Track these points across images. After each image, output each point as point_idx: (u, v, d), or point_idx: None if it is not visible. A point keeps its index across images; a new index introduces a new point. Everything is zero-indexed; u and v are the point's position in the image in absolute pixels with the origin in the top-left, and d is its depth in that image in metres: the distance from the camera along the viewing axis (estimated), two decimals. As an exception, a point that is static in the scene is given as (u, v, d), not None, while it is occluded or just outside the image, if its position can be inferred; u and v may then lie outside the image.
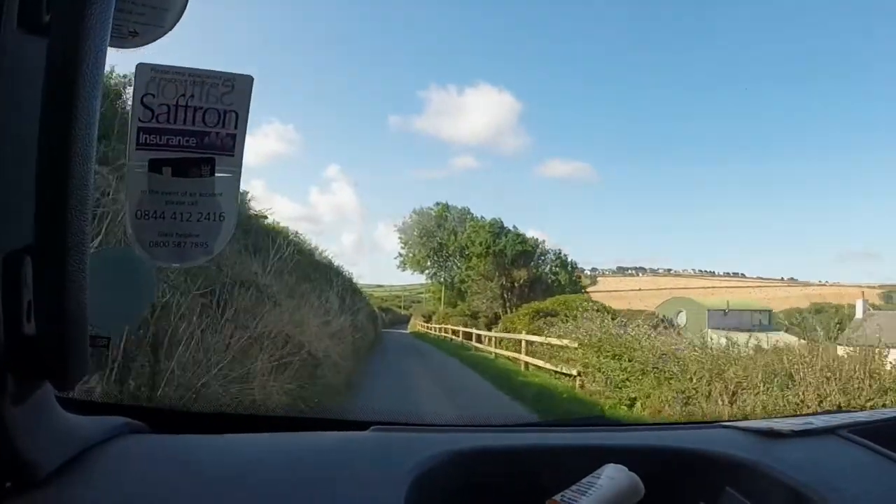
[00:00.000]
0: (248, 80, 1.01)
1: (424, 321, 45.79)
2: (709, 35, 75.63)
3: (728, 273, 78.30)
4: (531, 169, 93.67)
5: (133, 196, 0.96)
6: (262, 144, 70.45)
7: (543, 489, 0.90)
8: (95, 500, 0.78)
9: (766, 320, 43.15)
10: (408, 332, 44.35)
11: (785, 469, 1.00)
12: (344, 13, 78.23)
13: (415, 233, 50.51)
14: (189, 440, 1.00)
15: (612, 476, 0.91)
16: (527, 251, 44.41)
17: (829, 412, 2.37)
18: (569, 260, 46.52)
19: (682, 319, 40.76)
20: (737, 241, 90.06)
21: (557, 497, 0.87)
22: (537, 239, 46.17)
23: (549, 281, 44.46)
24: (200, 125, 0.98)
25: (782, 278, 75.64)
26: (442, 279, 50.16)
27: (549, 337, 15.97)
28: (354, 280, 28.57)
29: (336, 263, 22.71)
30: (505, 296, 41.70)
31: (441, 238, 49.34)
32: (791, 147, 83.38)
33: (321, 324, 9.88)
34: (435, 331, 38.22)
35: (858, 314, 30.70)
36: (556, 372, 13.55)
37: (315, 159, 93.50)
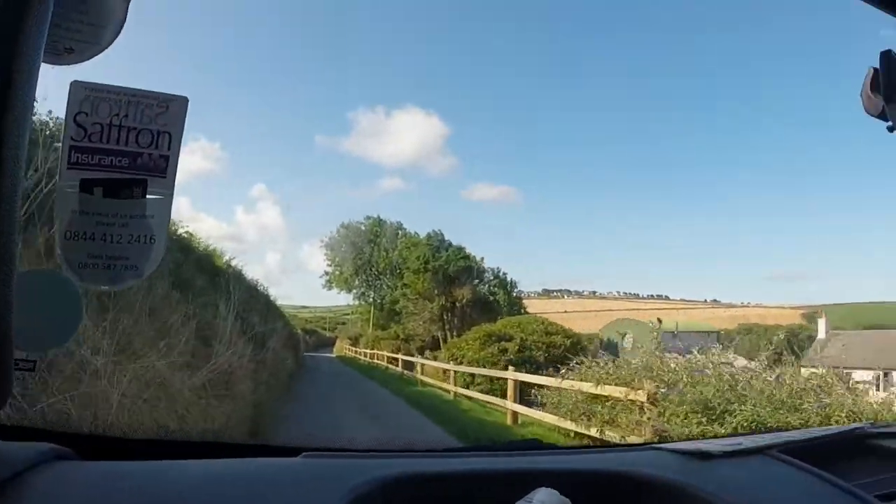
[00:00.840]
0: (182, 102, 1.06)
1: (351, 344, 44.73)
2: (629, 62, 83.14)
3: (652, 295, 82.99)
4: (458, 192, 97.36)
5: (63, 216, 1.00)
6: (188, 162, 69.69)
7: None
8: None
9: (715, 342, 44.55)
10: (334, 355, 43.38)
11: (715, 490, 1.08)
12: (273, 33, 78.48)
13: (342, 248, 49.58)
14: (117, 467, 1.01)
15: (543, 500, 0.95)
16: (469, 267, 42.67)
17: (759, 432, 2.52)
18: (508, 279, 45.27)
19: (628, 342, 41.61)
20: (661, 264, 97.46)
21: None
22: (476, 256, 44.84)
23: (490, 301, 42.70)
24: (133, 146, 1.02)
25: (706, 300, 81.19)
26: (371, 299, 49.08)
27: (568, 378, 10.87)
28: (277, 300, 26.93)
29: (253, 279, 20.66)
30: (445, 317, 39.82)
31: (371, 255, 48.30)
32: (713, 170, 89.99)
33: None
34: (365, 356, 36.59)
35: (821, 334, 32.05)
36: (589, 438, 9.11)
37: (241, 178, 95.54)
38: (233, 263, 17.15)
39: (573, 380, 10.68)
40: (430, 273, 40.97)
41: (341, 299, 54.46)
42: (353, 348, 42.48)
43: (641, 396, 8.35)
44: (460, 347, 23.68)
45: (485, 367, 19.39)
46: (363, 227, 49.68)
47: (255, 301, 15.85)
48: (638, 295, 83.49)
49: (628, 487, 1.15)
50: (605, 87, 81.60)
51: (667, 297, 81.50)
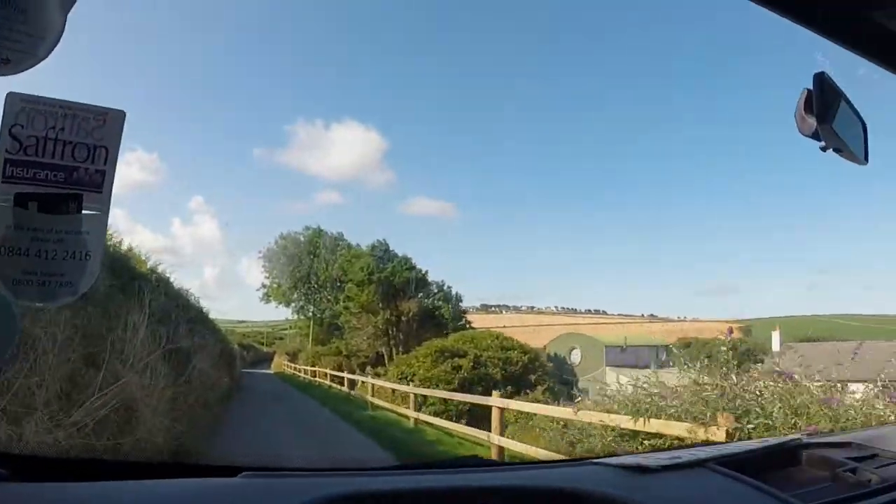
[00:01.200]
0: (119, 116, 1.07)
1: (290, 360, 43.83)
2: (567, 79, 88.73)
3: (590, 310, 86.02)
4: (396, 206, 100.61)
5: None
6: (125, 173, 69.72)
7: None
8: None
9: (665, 356, 45.52)
10: (272, 372, 42.52)
11: (655, 503, 1.14)
12: (212, 44, 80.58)
13: (281, 260, 49.05)
14: (48, 489, 1.01)
15: None
16: (416, 279, 41.52)
17: (696, 445, 2.61)
18: (453, 293, 44.50)
19: (576, 357, 42.04)
20: (598, 279, 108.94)
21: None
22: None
23: (436, 315, 41.54)
24: (69, 160, 1.03)
25: (643, 315, 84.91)
26: (310, 313, 48.68)
27: (588, 411, 8.21)
28: (211, 314, 25.19)
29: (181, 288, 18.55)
30: (390, 332, 38.83)
31: (311, 267, 47.90)
32: (648, 187, 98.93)
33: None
34: (306, 373, 35.17)
35: (775, 347, 33.05)
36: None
37: (178, 190, 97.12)
38: (160, 269, 15.86)
39: (581, 406, 8.40)
40: (374, 285, 39.90)
41: (280, 314, 53.99)
42: (292, 364, 41.50)
43: (718, 434, 5.89)
44: (410, 364, 22.71)
45: (437, 386, 19.13)
46: (302, 238, 49.37)
47: (182, 312, 13.88)
48: (576, 310, 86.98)
49: (570, 502, 1.18)
50: (541, 106, 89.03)
51: (604, 312, 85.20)
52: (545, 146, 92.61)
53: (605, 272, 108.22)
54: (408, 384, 18.19)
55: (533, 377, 23.05)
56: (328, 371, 29.79)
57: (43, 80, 1.05)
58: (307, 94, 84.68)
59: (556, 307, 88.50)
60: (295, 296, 49.16)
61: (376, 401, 18.45)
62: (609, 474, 1.35)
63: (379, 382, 20.67)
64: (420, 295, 41.43)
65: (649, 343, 46.47)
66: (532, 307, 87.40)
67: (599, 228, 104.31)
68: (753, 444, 1.76)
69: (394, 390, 18.34)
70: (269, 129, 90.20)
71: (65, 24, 1.01)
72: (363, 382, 22.37)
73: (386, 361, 36.67)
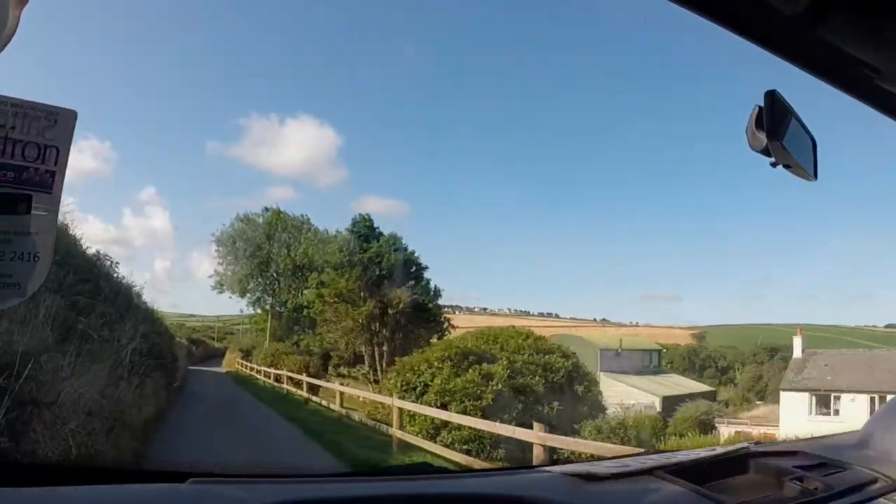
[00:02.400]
0: (71, 116, 1.16)
1: (243, 357, 42.14)
2: (525, 79, 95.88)
3: (542, 313, 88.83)
4: (348, 203, 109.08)
5: None
6: (77, 160, 71.32)
7: None
8: None
9: (657, 361, 46.05)
10: (223, 370, 41.66)
11: None
12: (166, 34, 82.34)
13: (236, 245, 47.78)
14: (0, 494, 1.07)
15: None
16: (406, 262, 38.31)
17: (645, 453, 2.74)
18: (432, 286, 40.88)
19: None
20: (548, 282, 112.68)
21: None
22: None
23: (429, 308, 38.37)
24: (19, 159, 1.12)
25: (595, 319, 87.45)
26: (268, 305, 47.67)
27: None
28: (156, 305, 23.79)
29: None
30: (373, 327, 35.25)
31: (269, 253, 46.73)
32: (598, 190, 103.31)
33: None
34: (265, 375, 32.55)
35: (797, 353, 33.33)
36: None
37: (130, 180, 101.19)
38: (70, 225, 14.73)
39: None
40: (356, 269, 36.86)
41: (233, 307, 53.84)
42: (245, 362, 39.94)
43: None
44: (417, 370, 18.27)
45: (462, 402, 16.05)
46: (260, 220, 48.34)
47: (95, 291, 12.15)
48: (528, 312, 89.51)
49: None
50: (496, 104, 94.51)
51: (557, 315, 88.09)
52: (502, 146, 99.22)
53: (556, 275, 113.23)
54: (416, 399, 16.19)
55: (579, 388, 19.90)
56: (302, 378, 25.60)
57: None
58: (261, 87, 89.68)
59: (508, 309, 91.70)
60: (251, 285, 48.13)
61: (360, 416, 17.23)
62: (558, 482, 1.46)
63: (371, 396, 19.49)
64: (411, 283, 38.34)
65: (643, 347, 46.90)
66: (484, 308, 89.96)
67: (551, 231, 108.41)
68: (702, 452, 1.87)
69: (400, 409, 14.45)
70: (223, 122, 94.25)
71: (18, 20, 1.10)
72: (345, 397, 19.41)
73: (368, 363, 35.57)
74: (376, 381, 32.12)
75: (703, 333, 69.55)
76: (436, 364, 18.10)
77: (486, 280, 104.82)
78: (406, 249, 38.42)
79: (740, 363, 66.05)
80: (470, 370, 17.36)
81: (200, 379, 30.79)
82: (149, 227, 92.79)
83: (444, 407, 15.33)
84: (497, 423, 11.85)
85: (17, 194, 1.13)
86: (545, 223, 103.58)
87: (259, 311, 49.30)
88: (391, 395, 16.64)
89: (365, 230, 39.59)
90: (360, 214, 40.67)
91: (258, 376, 33.89)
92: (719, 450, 1.86)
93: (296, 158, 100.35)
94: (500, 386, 16.97)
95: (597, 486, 1.43)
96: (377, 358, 34.79)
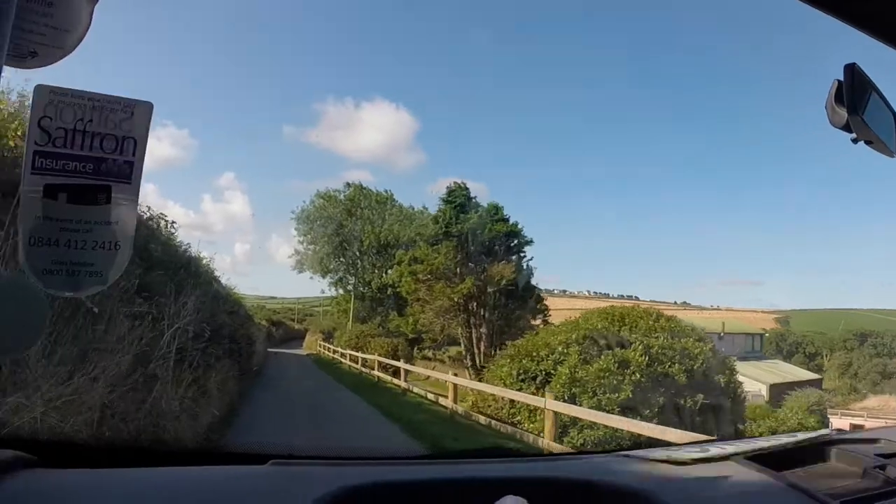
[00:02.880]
0: (147, 108, 1.24)
1: (324, 339, 42.18)
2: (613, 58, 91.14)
3: (622, 295, 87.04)
4: (426, 187, 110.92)
5: (27, 222, 1.18)
6: (155, 148, 75.46)
7: None
8: None
9: (759, 346, 44.83)
10: (304, 352, 41.84)
11: (682, 497, 1.27)
12: (243, 21, 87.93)
13: (317, 222, 47.92)
14: (83, 474, 1.17)
15: None
16: (510, 234, 34.43)
17: (723, 439, 2.72)
18: (526, 265, 36.62)
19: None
20: (628, 265, 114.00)
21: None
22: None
23: (533, 287, 35.38)
24: (98, 151, 1.21)
25: (675, 302, 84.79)
26: (350, 286, 47.39)
27: None
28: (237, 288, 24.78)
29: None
30: (470, 307, 32.41)
31: (351, 230, 46.50)
32: (682, 176, 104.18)
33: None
34: (349, 358, 31.13)
35: None
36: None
37: (209, 166, 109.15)
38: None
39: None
40: (453, 242, 33.58)
41: (313, 288, 54.57)
42: (327, 344, 39.62)
43: None
44: (535, 356, 16.09)
45: (594, 395, 13.83)
46: (342, 197, 48.25)
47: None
48: (608, 294, 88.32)
49: (596, 495, 1.33)
50: (571, 86, 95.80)
51: (637, 298, 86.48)
52: (586, 127, 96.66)
53: (636, 259, 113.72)
54: (536, 391, 14.37)
55: (721, 379, 16.42)
56: (399, 365, 22.79)
57: (72, 69, 1.23)
58: (337, 72, 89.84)
59: (588, 291, 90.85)
60: (333, 264, 48.11)
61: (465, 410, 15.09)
62: (637, 466, 1.49)
63: (497, 391, 15.34)
64: (514, 258, 34.73)
65: (745, 330, 45.70)
66: (564, 291, 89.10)
67: (633, 215, 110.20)
68: (782, 438, 1.86)
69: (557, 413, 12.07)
70: (299, 107, 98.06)
71: (92, 15, 1.19)
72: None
73: (464, 347, 33.54)
74: (474, 367, 30.02)
75: (787, 318, 67.42)
76: (559, 349, 15.84)
77: (564, 262, 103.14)
78: (508, 219, 34.75)
79: (828, 349, 64.33)
80: (602, 356, 14.94)
81: (278, 361, 30.49)
82: (228, 212, 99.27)
83: (572, 400, 13.31)
84: (652, 425, 10.10)
85: (96, 185, 1.21)
86: (621, 206, 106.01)
87: (341, 291, 49.35)
88: (503, 385, 15.52)
89: (461, 199, 35.87)
90: (455, 182, 36.95)
91: (342, 360, 32.93)
92: (799, 436, 1.86)
93: (373, 142, 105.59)
94: (638, 375, 14.50)
95: (676, 471, 1.45)
96: (474, 341, 32.52)
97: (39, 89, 1.19)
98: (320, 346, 41.51)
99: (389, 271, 43.44)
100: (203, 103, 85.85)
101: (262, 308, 54.04)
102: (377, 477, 1.28)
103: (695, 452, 1.54)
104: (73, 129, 1.20)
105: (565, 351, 15.58)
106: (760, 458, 1.52)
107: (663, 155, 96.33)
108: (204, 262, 17.78)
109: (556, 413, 11.74)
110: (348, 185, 49.11)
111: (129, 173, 1.24)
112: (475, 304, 32.63)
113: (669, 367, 15.20)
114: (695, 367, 15.62)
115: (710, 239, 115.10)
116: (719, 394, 15.99)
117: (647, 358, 14.95)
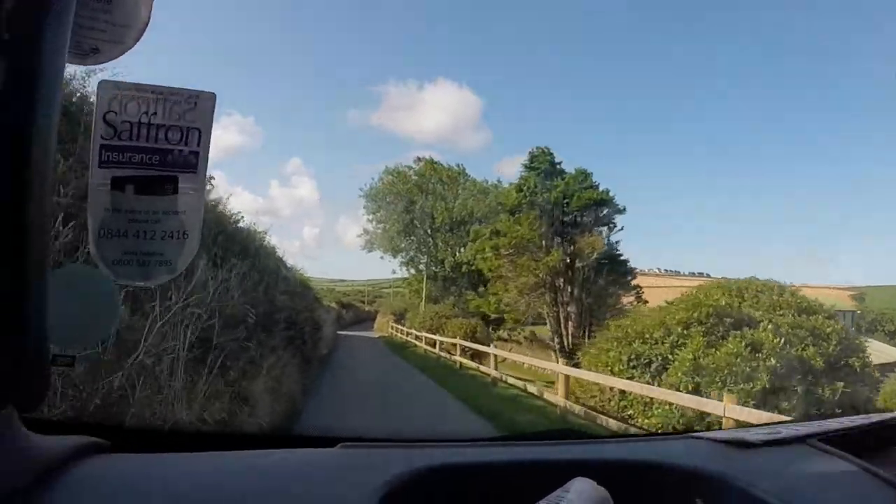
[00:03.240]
0: (210, 98, 1.31)
1: (395, 320, 41.74)
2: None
3: (693, 273, 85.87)
4: (492, 166, 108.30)
5: (96, 214, 1.25)
6: (221, 137, 78.82)
7: None
8: None
9: (850, 322, 43.52)
10: (375, 335, 41.72)
11: (753, 479, 1.27)
12: (301, 8, 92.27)
13: (387, 200, 47.97)
14: (155, 459, 1.22)
15: (580, 490, 1.11)
16: (600, 203, 32.25)
17: (795, 421, 2.67)
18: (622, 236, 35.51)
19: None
20: (699, 241, 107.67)
21: (526, 511, 1.14)
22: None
23: (622, 260, 33.39)
24: (163, 143, 1.27)
25: (745, 278, 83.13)
26: (421, 265, 47.09)
27: None
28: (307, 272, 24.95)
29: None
30: (557, 285, 31.28)
31: (422, 207, 46.14)
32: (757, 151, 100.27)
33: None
34: (425, 341, 29.85)
35: None
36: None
37: (275, 152, 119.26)
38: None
39: None
40: (536, 211, 32.32)
41: (382, 270, 55.05)
42: (399, 326, 39.15)
43: None
44: (649, 339, 14.78)
45: (726, 382, 11.98)
46: (412, 173, 48.14)
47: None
48: (679, 272, 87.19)
49: (666, 477, 1.36)
50: (640, 63, 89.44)
51: (708, 275, 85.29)
52: (654, 104, 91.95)
53: (703, 234, 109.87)
54: (651, 380, 13.25)
55: (856, 363, 13.87)
56: (489, 350, 20.88)
57: (134, 64, 1.30)
58: (399, 53, 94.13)
59: (659, 269, 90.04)
60: (403, 243, 48.25)
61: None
62: (707, 448, 1.50)
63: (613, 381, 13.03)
64: (604, 230, 32.88)
65: (838, 307, 44.51)
66: (634, 267, 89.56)
67: (700, 189, 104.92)
68: (856, 420, 1.82)
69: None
70: (362, 90, 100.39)
71: (151, 10, 1.25)
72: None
73: (551, 328, 32.14)
74: (563, 351, 28.45)
75: (863, 294, 65.01)
76: (678, 330, 14.45)
77: (634, 239, 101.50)
78: (598, 186, 32.32)
79: (910, 328, 61.38)
80: (730, 338, 13.31)
81: (348, 344, 29.45)
82: (295, 197, 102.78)
83: (696, 392, 11.93)
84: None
85: (163, 176, 1.28)
86: (689, 183, 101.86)
87: (412, 271, 49.55)
88: (610, 373, 14.12)
89: (545, 165, 33.62)
90: (537, 147, 34.82)
91: (417, 343, 31.80)
92: (875, 418, 1.82)
93: (437, 122, 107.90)
94: (773, 361, 12.58)
95: (747, 454, 1.45)
96: (561, 321, 31.00)
97: (103, 84, 1.26)
98: (392, 327, 41.32)
99: (463, 249, 43.34)
100: (267, 89, 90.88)
101: (332, 291, 54.95)
102: (446, 459, 1.32)
103: (766, 435, 1.54)
104: (137, 122, 1.26)
105: (685, 332, 14.29)
106: (834, 441, 1.50)
107: (730, 131, 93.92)
108: (259, 234, 17.21)
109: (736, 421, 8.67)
110: (419, 159, 49.09)
111: (194, 163, 1.30)
112: (562, 280, 31.36)
113: (803, 349, 13.34)
114: (829, 350, 13.65)
115: (779, 214, 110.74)
116: (856, 380, 13.75)
117: (780, 340, 13.22)
